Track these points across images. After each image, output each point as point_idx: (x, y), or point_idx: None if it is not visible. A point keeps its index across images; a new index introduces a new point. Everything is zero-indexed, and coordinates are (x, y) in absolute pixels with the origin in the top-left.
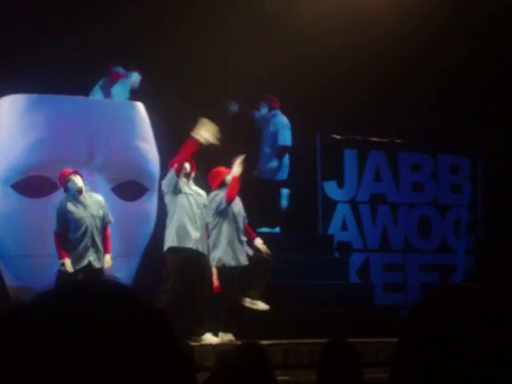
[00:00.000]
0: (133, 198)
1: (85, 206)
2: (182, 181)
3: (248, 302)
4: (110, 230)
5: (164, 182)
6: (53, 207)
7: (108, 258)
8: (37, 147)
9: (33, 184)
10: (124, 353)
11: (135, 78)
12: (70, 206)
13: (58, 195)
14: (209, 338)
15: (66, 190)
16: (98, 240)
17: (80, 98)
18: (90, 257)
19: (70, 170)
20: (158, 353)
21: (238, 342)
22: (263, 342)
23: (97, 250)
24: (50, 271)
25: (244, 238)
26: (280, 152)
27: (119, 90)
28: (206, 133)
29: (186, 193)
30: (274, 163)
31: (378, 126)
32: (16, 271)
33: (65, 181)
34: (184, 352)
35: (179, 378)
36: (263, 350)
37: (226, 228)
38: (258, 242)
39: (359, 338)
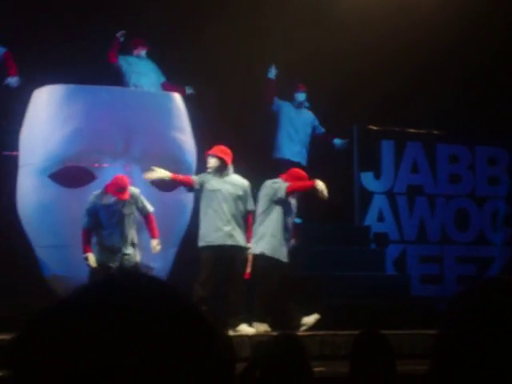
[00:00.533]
0: (169, 188)
1: (117, 206)
2: (211, 178)
3: (302, 330)
4: (152, 218)
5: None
6: (86, 203)
7: (155, 243)
8: (74, 137)
9: (70, 174)
10: (163, 344)
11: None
12: (104, 203)
13: (95, 186)
14: (244, 329)
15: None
16: (132, 237)
17: (117, 89)
18: (124, 253)
19: (124, 185)
20: (198, 344)
21: (274, 333)
22: (300, 333)
23: (129, 247)
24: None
25: (288, 237)
26: (327, 138)
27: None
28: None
29: (212, 190)
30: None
31: (416, 117)
32: (53, 261)
33: (117, 190)
34: (224, 343)
35: (219, 369)
36: (299, 341)
37: (273, 218)
38: None
39: (396, 329)
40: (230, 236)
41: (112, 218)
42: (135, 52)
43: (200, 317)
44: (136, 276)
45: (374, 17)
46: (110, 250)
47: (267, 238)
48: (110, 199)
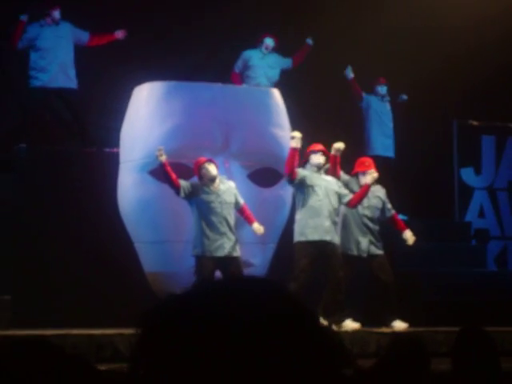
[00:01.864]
0: (269, 184)
1: (217, 195)
2: (313, 173)
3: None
4: (246, 206)
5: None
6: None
7: (256, 225)
8: (174, 134)
9: None
10: (273, 352)
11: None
12: (203, 195)
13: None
14: (349, 325)
15: (200, 178)
16: (232, 228)
17: (216, 85)
18: (225, 245)
19: (205, 159)
20: (309, 348)
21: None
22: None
23: (231, 238)
24: (186, 257)
25: (372, 227)
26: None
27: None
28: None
29: (312, 185)
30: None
31: None
32: (153, 257)
33: (199, 169)
34: (335, 346)
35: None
36: (421, 342)
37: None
38: None
39: (498, 326)
40: (327, 233)
41: (212, 210)
42: (263, 45)
43: (312, 319)
44: (248, 279)
45: (469, 4)
46: (213, 243)
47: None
48: (208, 189)
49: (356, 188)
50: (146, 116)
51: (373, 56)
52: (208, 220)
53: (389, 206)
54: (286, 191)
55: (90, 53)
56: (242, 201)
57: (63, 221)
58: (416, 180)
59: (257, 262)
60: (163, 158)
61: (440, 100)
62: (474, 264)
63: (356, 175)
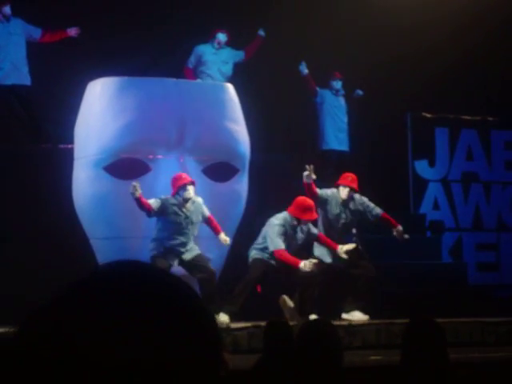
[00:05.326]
0: (223, 179)
1: (186, 215)
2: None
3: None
4: (212, 217)
5: None
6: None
7: (222, 236)
8: (128, 130)
9: (124, 166)
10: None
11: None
12: (172, 215)
13: (150, 177)
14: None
15: (176, 193)
16: (194, 244)
17: (170, 81)
18: (182, 255)
19: (189, 179)
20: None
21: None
22: (357, 322)
23: (193, 253)
24: (141, 253)
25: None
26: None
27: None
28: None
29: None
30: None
31: (470, 104)
32: (108, 253)
33: (180, 186)
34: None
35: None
36: (332, 328)
37: None
38: None
39: (453, 317)
40: None
41: (178, 229)
42: (215, 40)
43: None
44: (133, 262)
45: (420, 4)
46: (170, 254)
47: None
48: (179, 208)
49: (335, 200)
50: (100, 112)
51: (327, 51)
52: (174, 239)
53: (373, 211)
54: (242, 186)
55: (44, 49)
56: (207, 213)
57: (18, 218)
58: (371, 173)
59: (213, 256)
60: (138, 194)
61: (393, 93)
62: (428, 256)
63: (337, 186)
